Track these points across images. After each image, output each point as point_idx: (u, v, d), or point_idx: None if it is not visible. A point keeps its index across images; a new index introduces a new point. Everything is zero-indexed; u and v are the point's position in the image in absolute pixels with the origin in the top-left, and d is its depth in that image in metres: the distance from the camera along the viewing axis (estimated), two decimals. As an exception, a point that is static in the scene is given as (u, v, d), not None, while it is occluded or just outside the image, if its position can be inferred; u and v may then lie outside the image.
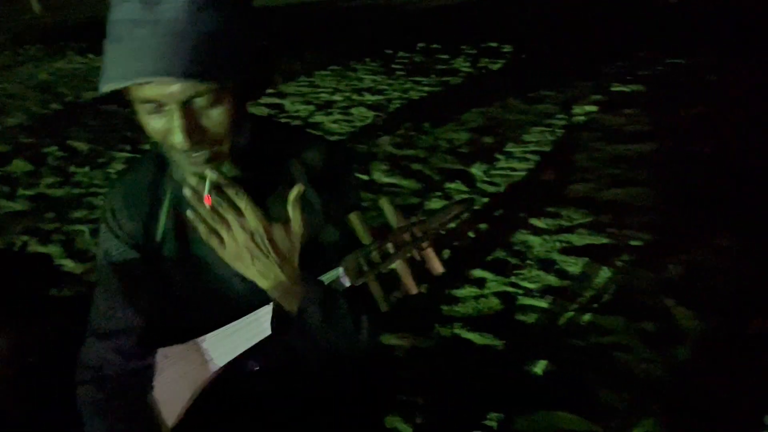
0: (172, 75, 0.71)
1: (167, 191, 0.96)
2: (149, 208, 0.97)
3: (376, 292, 0.88)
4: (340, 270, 0.86)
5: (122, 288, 0.96)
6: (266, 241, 0.82)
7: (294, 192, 0.82)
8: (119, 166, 4.17)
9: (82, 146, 4.64)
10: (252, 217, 0.81)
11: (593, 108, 4.32)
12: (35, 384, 1.97)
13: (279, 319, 0.87)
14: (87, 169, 4.21)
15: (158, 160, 0.98)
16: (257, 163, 0.93)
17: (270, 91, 5.59)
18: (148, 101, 0.77)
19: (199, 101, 0.78)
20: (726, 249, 2.55)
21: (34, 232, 3.37)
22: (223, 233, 0.82)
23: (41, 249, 3.17)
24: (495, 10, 9.26)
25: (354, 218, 0.88)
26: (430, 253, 0.90)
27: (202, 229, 0.81)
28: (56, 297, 2.72)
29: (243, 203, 0.80)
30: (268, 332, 0.87)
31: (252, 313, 0.89)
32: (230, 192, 0.80)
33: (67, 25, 13.45)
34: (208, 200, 0.80)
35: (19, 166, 4.35)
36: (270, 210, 0.93)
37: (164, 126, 0.79)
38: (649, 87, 4.66)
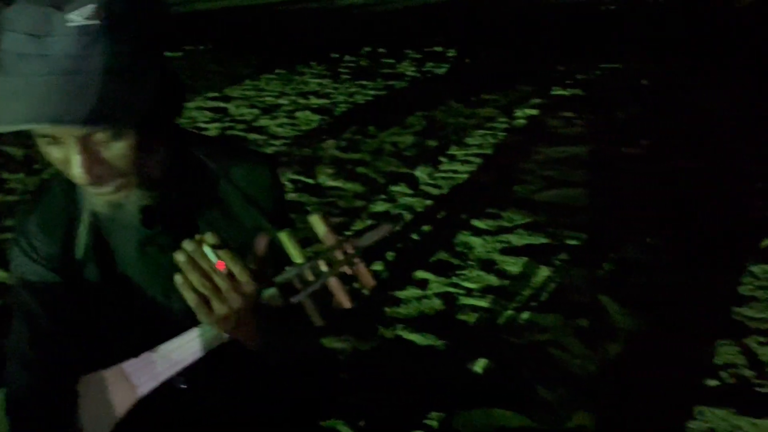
0: (61, 122, 0.66)
1: (83, 210, 0.92)
2: (65, 229, 0.92)
3: (309, 309, 0.88)
4: (274, 290, 0.86)
5: (44, 311, 0.92)
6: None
7: (210, 241, 0.75)
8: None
9: (16, 151, 4.47)
10: (249, 283, 0.76)
11: (534, 111, 4.43)
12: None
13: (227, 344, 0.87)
14: (21, 175, 4.06)
15: (69, 181, 0.91)
16: (181, 186, 0.91)
17: (214, 94, 5.53)
18: (43, 135, 0.73)
19: (99, 135, 0.74)
20: (657, 247, 2.66)
21: (-37, 242, 3.24)
22: (215, 300, 0.75)
23: (-30, 259, 3.05)
24: (439, 15, 9.39)
25: (284, 237, 0.88)
26: (362, 269, 0.90)
27: (190, 296, 0.74)
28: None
29: (238, 268, 0.75)
30: (200, 354, 0.86)
31: (182, 335, 0.87)
32: (226, 257, 0.75)
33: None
34: (221, 266, 0.75)
35: (-53, 173, 4.16)
36: (201, 232, 0.92)
37: (63, 157, 0.75)
38: (587, 91, 4.81)
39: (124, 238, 0.91)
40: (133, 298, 0.94)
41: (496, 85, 5.07)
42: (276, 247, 0.89)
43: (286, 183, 3.57)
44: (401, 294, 2.48)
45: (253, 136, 4.49)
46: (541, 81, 5.11)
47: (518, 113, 4.41)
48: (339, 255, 0.89)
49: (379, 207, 3.25)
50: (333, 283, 0.88)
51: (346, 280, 0.88)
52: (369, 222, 3.10)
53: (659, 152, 3.60)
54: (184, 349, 0.87)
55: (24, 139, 4.74)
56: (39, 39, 0.68)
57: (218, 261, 0.75)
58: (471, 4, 10.37)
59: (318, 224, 0.91)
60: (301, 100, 5.23)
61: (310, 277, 0.87)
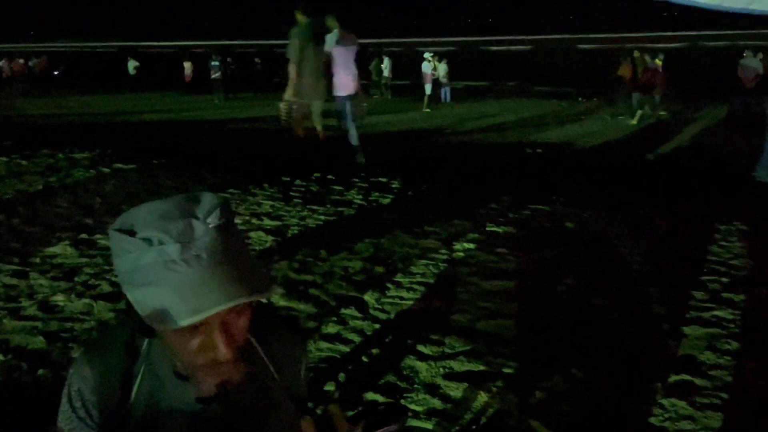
0: (239, 298, 0.80)
1: (140, 383, 0.97)
2: (119, 399, 0.96)
3: None
4: None
5: None
6: None
7: None
8: (6, 279, 4.08)
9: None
10: None
11: (471, 245, 4.86)
12: None
13: None
14: None
15: (129, 348, 0.99)
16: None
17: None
18: (199, 324, 0.83)
19: (233, 316, 0.87)
20: (580, 379, 2.98)
21: None
22: None
23: None
24: (382, 147, 10.10)
25: (306, 425, 0.97)
26: None
27: None
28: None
29: None
30: None
31: None
32: None
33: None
34: None
35: None
36: (236, 406, 0.98)
37: (202, 343, 0.86)
38: (517, 229, 5.33)
39: (174, 400, 0.97)
40: None
41: (436, 219, 5.53)
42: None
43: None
44: (350, 414, 2.66)
45: (207, 252, 4.68)
46: (477, 217, 5.61)
47: (457, 246, 4.83)
48: None
49: (331, 329, 3.47)
50: None
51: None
52: (321, 343, 3.31)
53: (580, 290, 4.03)
54: None
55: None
56: (188, 244, 0.82)
57: None
58: (411, 138, 11.22)
59: (336, 414, 1.02)
60: (255, 221, 5.51)
61: None
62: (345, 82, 7.47)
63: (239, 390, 0.96)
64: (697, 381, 2.95)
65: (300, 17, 7.16)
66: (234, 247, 0.87)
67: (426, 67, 18.27)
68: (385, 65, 21.93)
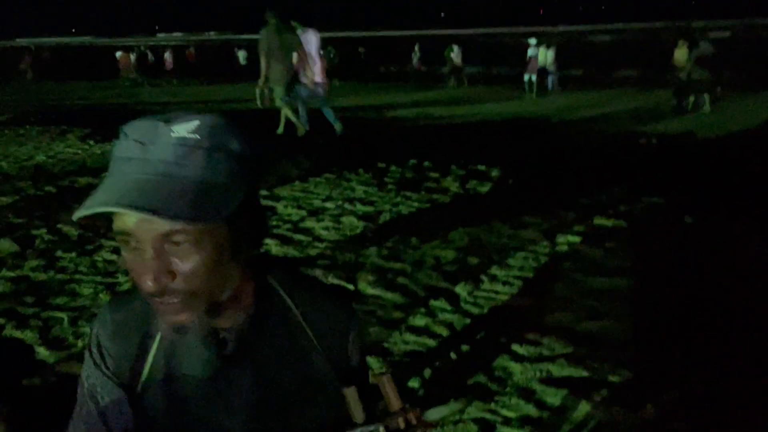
0: (137, 209, 0.71)
1: (158, 334, 0.91)
2: (138, 345, 0.92)
3: None
4: None
5: (104, 426, 0.91)
6: None
7: None
8: (106, 255, 4.19)
9: (71, 231, 4.67)
10: None
11: (576, 239, 4.47)
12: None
13: None
14: (74, 254, 4.22)
15: None
16: (252, 316, 0.92)
17: (265, 193, 5.75)
18: (124, 233, 0.77)
19: (176, 245, 0.77)
20: (698, 395, 2.59)
21: (11, 315, 3.33)
22: None
23: (16, 334, 3.12)
24: (484, 135, 9.74)
25: (349, 393, 0.87)
26: None
27: None
28: (27, 386, 2.65)
29: None
30: None
31: None
32: None
33: (70, 110, 13.82)
34: None
35: (5, 246, 4.35)
36: (266, 364, 0.92)
37: (136, 264, 0.78)
38: (629, 223, 4.86)
39: (190, 366, 0.91)
40: (191, 429, 0.92)
41: (538, 209, 5.16)
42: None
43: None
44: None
45: (298, 236, 4.61)
46: (583, 209, 5.19)
47: (560, 239, 4.46)
48: (401, 423, 0.86)
49: (419, 321, 3.26)
50: None
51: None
52: (407, 335, 3.10)
53: (699, 293, 3.56)
54: None
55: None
56: (144, 146, 0.76)
57: None
58: (514, 126, 10.76)
59: (387, 387, 0.88)
60: (347, 206, 5.40)
61: None
62: (315, 70, 8.73)
63: (266, 356, 0.92)
64: None
65: (270, 18, 8.44)
66: (189, 168, 0.76)
67: (532, 52, 17.57)
68: (456, 53, 21.39)
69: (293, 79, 8.63)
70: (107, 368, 0.92)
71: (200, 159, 0.76)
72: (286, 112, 8.94)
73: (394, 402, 0.88)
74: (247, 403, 0.91)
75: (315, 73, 8.68)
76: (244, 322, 0.91)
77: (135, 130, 0.78)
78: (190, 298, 0.80)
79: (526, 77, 17.60)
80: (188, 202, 0.74)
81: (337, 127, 9.06)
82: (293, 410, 0.93)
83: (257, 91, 8.63)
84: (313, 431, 0.93)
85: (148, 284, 0.77)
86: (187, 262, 0.78)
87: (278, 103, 8.94)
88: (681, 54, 13.73)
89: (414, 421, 0.86)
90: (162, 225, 0.74)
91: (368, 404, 0.90)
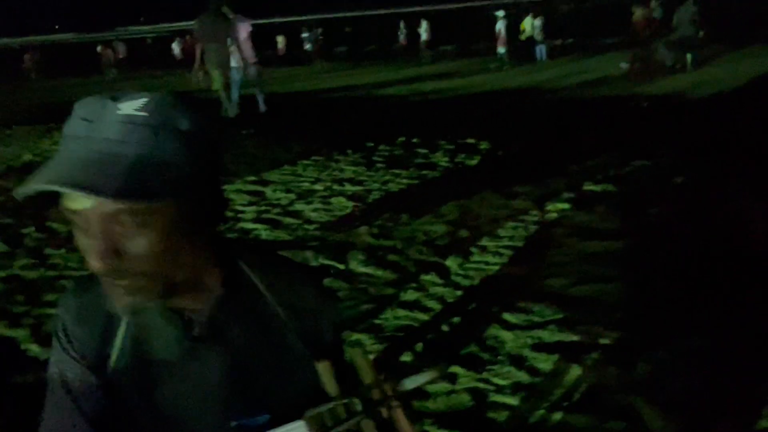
0: (75, 187, 0.69)
1: (127, 324, 0.90)
2: (103, 328, 0.90)
3: None
4: (302, 423, 0.83)
5: (80, 416, 0.89)
6: None
7: None
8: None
9: (60, 228, 4.65)
10: None
11: (566, 205, 4.46)
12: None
13: None
14: (63, 251, 4.20)
15: None
16: (216, 297, 0.90)
17: (253, 178, 5.72)
18: (72, 212, 0.75)
19: (123, 225, 0.75)
20: (693, 350, 2.59)
21: (2, 314, 3.32)
22: None
23: (8, 333, 3.12)
24: (471, 108, 9.69)
25: (323, 368, 0.86)
26: (400, 414, 0.86)
27: None
28: (19, 383, 2.65)
29: None
30: None
31: None
32: None
33: (55, 107, 13.69)
34: None
35: (-6, 246, 4.33)
36: (237, 345, 0.91)
37: (85, 243, 0.77)
38: (619, 186, 4.85)
39: (159, 348, 0.89)
40: (164, 412, 0.90)
41: (527, 178, 5.14)
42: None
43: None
44: (430, 387, 2.44)
45: (288, 220, 4.60)
46: (572, 175, 5.17)
47: (550, 207, 4.45)
48: (376, 394, 0.85)
49: (410, 296, 3.26)
50: (366, 425, 0.83)
51: (383, 425, 0.83)
52: (398, 311, 3.10)
53: (692, 252, 3.56)
54: None
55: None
56: (90, 123, 0.75)
57: None
58: (502, 98, 10.70)
59: (360, 360, 0.88)
60: (336, 187, 5.37)
61: (343, 415, 0.83)
62: (247, 54, 9.09)
63: (237, 337, 0.91)
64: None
65: (211, 5, 8.78)
66: (132, 146, 0.73)
67: (500, 25, 17.33)
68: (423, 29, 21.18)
69: (227, 63, 9.05)
70: (75, 352, 0.90)
71: (145, 136, 0.74)
72: (220, 94, 9.31)
73: (368, 374, 0.87)
74: (219, 383, 0.90)
75: (246, 57, 9.11)
76: (213, 304, 0.90)
77: (83, 107, 0.77)
78: (141, 278, 0.79)
79: (499, 51, 17.30)
80: (129, 181, 0.71)
81: (261, 107, 9.55)
82: (267, 389, 0.92)
83: (193, 76, 9.02)
84: (289, 408, 0.91)
85: (95, 264, 0.76)
86: (134, 242, 0.76)
87: (215, 86, 9.31)
88: (638, 17, 13.80)
89: (390, 392, 0.86)
90: (107, 204, 0.72)
91: (344, 379, 0.89)
